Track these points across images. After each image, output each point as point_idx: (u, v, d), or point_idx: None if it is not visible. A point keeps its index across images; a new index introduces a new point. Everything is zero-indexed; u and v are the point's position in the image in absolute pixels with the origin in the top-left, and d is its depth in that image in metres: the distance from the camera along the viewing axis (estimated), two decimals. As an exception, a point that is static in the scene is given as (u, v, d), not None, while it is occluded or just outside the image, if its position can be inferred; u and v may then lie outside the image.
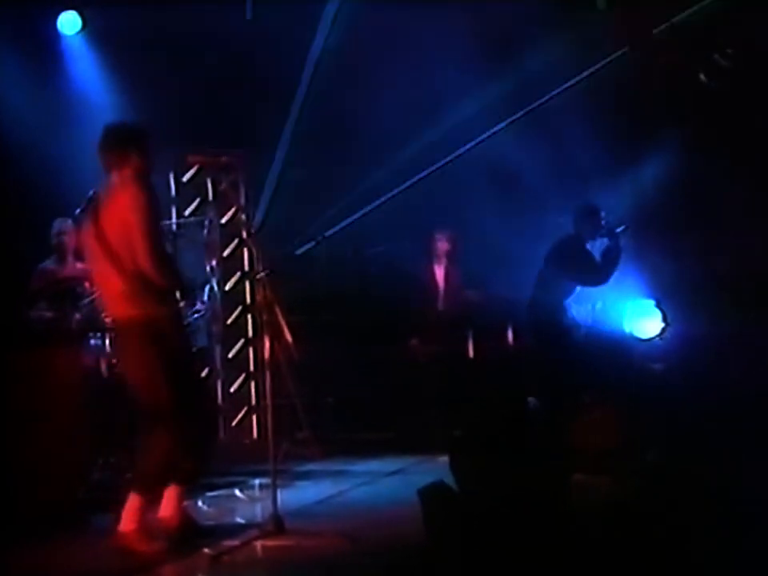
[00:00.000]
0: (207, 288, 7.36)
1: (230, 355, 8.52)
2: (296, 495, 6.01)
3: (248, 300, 8.60)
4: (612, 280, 7.50)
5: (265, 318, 5.12)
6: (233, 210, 8.22)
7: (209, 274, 7.60)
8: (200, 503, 5.92)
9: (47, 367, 5.76)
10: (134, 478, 4.99)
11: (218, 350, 8.27)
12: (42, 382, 5.71)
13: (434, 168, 8.17)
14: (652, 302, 7.94)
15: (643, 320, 7.93)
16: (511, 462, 4.50)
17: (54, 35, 8.11)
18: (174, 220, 8.07)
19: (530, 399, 5.04)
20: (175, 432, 4.77)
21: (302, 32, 7.95)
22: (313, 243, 8.29)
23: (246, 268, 8.50)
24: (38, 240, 6.91)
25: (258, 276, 5.23)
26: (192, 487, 5.29)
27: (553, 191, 8.06)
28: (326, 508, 5.85)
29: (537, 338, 7.69)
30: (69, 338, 6.14)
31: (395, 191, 7.89)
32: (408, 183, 8.08)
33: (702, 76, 7.73)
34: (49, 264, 6.84)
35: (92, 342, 6.22)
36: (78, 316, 6.23)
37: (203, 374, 7.38)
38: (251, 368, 8.61)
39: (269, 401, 5.24)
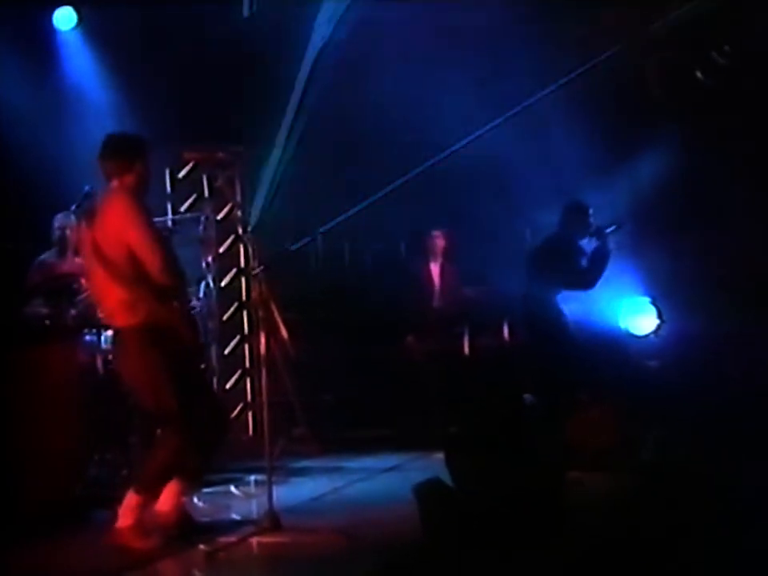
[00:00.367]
0: (203, 284, 7.36)
1: (225, 352, 8.51)
2: (292, 492, 6.00)
3: (244, 297, 8.59)
4: (608, 277, 7.45)
5: (261, 314, 5.11)
6: (229, 206, 8.21)
7: (204, 271, 7.60)
8: (196, 500, 5.90)
9: (43, 363, 5.74)
10: (136, 477, 5.00)
11: (213, 346, 8.25)
12: (38, 379, 5.69)
13: (429, 163, 8.16)
14: (647, 299, 7.95)
15: (638, 317, 7.94)
16: (507, 459, 4.51)
17: (50, 31, 8.09)
18: (169, 216, 8.06)
19: (526, 396, 5.04)
20: (183, 434, 4.78)
21: (300, 29, 7.93)
22: (308, 239, 8.28)
23: (242, 264, 8.49)
24: (34, 237, 6.89)
25: (254, 272, 5.23)
26: (195, 484, 5.29)
27: (548, 188, 8.05)
28: (322, 505, 5.85)
29: (530, 333, 7.66)
30: (64, 334, 6.13)
31: (391, 187, 7.87)
32: (403, 179, 8.07)
33: (698, 74, 7.73)
34: (48, 257, 6.82)
35: (88, 338, 6.21)
36: (73, 312, 6.21)
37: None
38: (247, 365, 8.60)
39: (265, 398, 5.23)
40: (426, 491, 4.53)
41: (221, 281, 8.38)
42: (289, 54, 7.78)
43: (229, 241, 8.45)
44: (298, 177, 8.30)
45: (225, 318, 8.50)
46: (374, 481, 6.55)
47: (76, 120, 7.66)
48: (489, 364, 8.07)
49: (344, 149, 8.63)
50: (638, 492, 4.87)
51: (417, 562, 4.27)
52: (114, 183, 4.94)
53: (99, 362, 6.18)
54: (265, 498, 5.03)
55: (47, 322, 6.19)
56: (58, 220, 6.77)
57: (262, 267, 5.17)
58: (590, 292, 7.58)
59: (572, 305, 7.45)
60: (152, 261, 4.76)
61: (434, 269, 8.74)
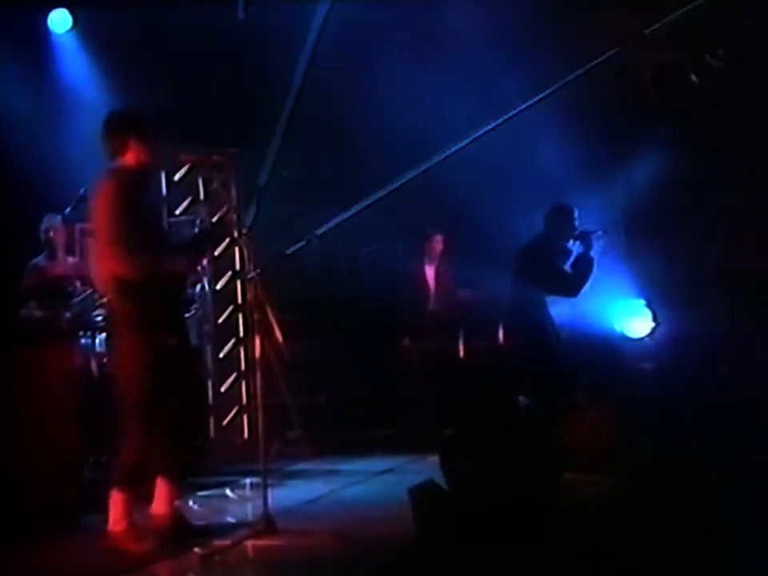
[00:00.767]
0: (198, 287, 7.36)
1: (221, 355, 8.50)
2: (287, 494, 6.00)
3: (239, 299, 8.59)
4: (602, 280, 7.41)
5: (256, 317, 5.11)
6: (224, 209, 8.20)
7: (200, 273, 7.60)
8: (191, 503, 5.91)
9: (38, 366, 5.74)
10: (113, 472, 5.00)
11: (208, 349, 8.25)
12: (33, 381, 5.69)
13: (426, 167, 8.16)
14: (642, 302, 7.96)
15: (633, 319, 7.94)
16: (502, 461, 4.51)
17: (45, 33, 8.09)
18: (165, 219, 8.05)
19: (521, 398, 5.04)
20: (152, 428, 4.77)
21: (295, 31, 7.93)
22: (304, 242, 8.27)
23: (237, 267, 8.49)
24: (30, 238, 6.89)
25: (249, 275, 5.22)
26: (182, 486, 5.28)
27: (544, 191, 8.05)
28: (317, 507, 5.85)
29: (515, 334, 7.58)
30: (59, 336, 6.12)
31: (387, 190, 7.88)
32: (400, 182, 8.07)
33: (693, 76, 7.74)
34: (39, 261, 6.82)
35: (82, 340, 6.20)
36: (68, 315, 6.22)
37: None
38: (242, 367, 8.59)
39: (260, 400, 5.23)
40: (421, 493, 4.54)
41: (216, 283, 8.37)
42: (284, 55, 7.78)
43: (224, 243, 8.44)
44: (294, 179, 8.31)
45: (220, 320, 8.48)
46: (369, 483, 6.56)
47: (71, 123, 7.65)
48: (484, 366, 8.07)
49: (340, 151, 8.63)
50: (634, 493, 4.88)
51: (412, 564, 4.27)
52: (117, 161, 4.96)
53: (94, 365, 6.18)
54: (260, 501, 5.03)
55: (42, 324, 6.19)
56: (45, 222, 6.78)
57: (257, 270, 5.17)
58: (585, 295, 7.56)
59: (565, 308, 7.43)
60: (110, 253, 4.75)
61: (429, 271, 8.75)
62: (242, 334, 8.57)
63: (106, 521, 4.88)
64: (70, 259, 6.90)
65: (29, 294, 6.40)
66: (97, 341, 6.15)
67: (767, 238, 7.82)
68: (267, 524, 4.95)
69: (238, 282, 8.53)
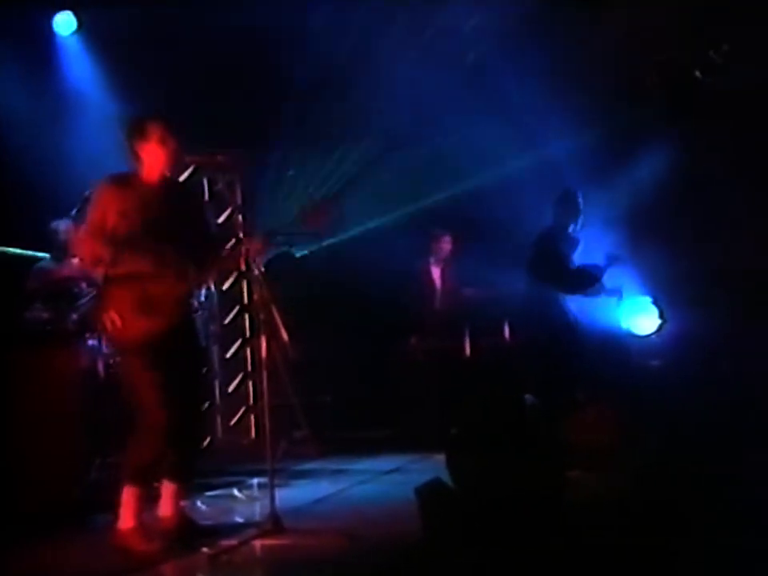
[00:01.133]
0: (204, 288, 7.36)
1: (227, 355, 8.53)
2: (294, 494, 6.01)
3: (245, 300, 8.60)
4: (610, 277, 7.42)
5: (262, 317, 5.12)
6: (229, 209, 8.22)
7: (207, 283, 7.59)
8: (198, 503, 5.92)
9: (44, 368, 5.77)
10: (122, 468, 5.01)
11: (215, 350, 8.27)
12: (39, 383, 5.71)
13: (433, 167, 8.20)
14: (649, 299, 7.95)
15: (640, 317, 7.93)
16: (508, 459, 4.51)
17: (50, 36, 8.10)
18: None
19: (527, 396, 5.04)
20: (159, 424, 4.77)
21: (298, 31, 7.95)
22: (314, 247, 8.29)
23: (243, 268, 8.49)
24: (34, 240, 6.90)
25: (254, 275, 5.23)
26: (189, 486, 5.29)
27: (551, 190, 8.04)
28: (324, 507, 5.85)
29: (532, 334, 7.61)
30: (66, 338, 6.14)
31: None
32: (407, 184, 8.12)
33: (697, 73, 7.73)
34: (45, 264, 6.83)
35: (89, 342, 6.21)
36: (74, 316, 6.23)
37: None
38: (249, 368, 8.61)
39: (266, 400, 5.24)
40: (428, 492, 4.53)
41: (222, 284, 8.39)
42: (288, 56, 7.80)
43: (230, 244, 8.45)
44: (299, 179, 8.32)
45: (226, 321, 8.51)
46: (375, 482, 6.56)
47: (76, 125, 7.67)
48: (490, 365, 8.07)
49: (345, 151, 8.65)
50: (639, 491, 4.87)
51: (419, 563, 4.27)
52: (129, 167, 5.05)
53: (101, 366, 6.19)
54: (267, 501, 5.03)
55: (48, 326, 6.20)
56: (54, 225, 6.78)
57: (262, 270, 5.17)
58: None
59: (572, 305, 7.43)
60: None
61: (435, 270, 8.75)
62: (248, 335, 8.59)
63: (113, 521, 4.89)
64: (76, 261, 6.91)
65: (34, 296, 6.41)
66: (103, 342, 6.15)
67: (767, 238, 7.81)
68: (274, 524, 4.95)
69: (244, 283, 8.56)
